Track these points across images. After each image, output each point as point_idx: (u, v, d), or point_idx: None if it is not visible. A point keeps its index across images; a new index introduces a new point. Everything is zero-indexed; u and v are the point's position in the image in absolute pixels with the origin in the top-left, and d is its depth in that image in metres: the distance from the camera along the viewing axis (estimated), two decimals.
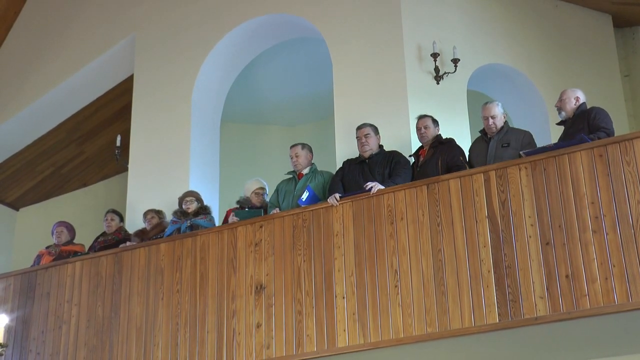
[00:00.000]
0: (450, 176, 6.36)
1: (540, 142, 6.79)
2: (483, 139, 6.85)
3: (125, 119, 9.77)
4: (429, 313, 6.01)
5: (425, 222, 6.28)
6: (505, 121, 6.86)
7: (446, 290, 6.01)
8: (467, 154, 6.89)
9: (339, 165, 7.45)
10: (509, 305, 5.78)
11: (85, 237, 8.93)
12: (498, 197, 6.09)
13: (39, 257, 8.47)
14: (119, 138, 9.45)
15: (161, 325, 7.07)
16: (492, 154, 6.61)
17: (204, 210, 7.79)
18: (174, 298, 7.08)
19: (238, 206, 7.69)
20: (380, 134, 7.22)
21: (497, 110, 6.81)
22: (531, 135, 6.73)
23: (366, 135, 7.12)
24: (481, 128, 6.94)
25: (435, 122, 7.11)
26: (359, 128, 7.20)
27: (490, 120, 6.79)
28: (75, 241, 8.73)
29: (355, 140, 7.27)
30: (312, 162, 7.59)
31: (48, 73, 10.06)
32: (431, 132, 7.04)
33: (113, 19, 9.85)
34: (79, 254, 8.12)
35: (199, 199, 7.86)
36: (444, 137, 7.04)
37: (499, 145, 6.66)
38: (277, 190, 7.54)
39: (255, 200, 7.66)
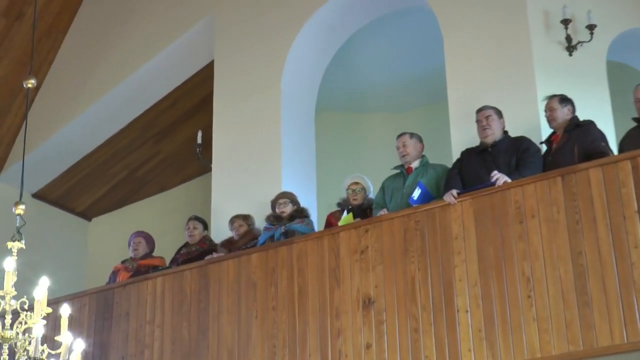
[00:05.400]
0: (589, 165, 6.25)
1: None
2: (639, 127, 6.69)
3: (206, 112, 9.91)
4: (570, 328, 5.91)
5: (561, 221, 6.19)
6: None
7: (590, 300, 5.90)
8: (611, 139, 6.72)
9: (455, 156, 7.43)
10: None
11: (165, 249, 9.10)
12: None
13: (115, 273, 8.67)
14: (199, 134, 9.59)
15: (255, 347, 7.15)
16: None
17: (300, 213, 7.84)
18: (269, 316, 7.16)
19: (339, 208, 7.73)
20: (504, 118, 7.14)
21: None
22: None
23: (487, 118, 7.07)
24: (628, 107, 6.77)
25: (564, 101, 7.00)
26: (478, 111, 7.16)
27: None
28: (154, 254, 8.90)
29: (474, 126, 7.22)
30: (423, 153, 7.58)
31: (116, 64, 10.29)
32: (559, 115, 6.95)
33: None
34: (159, 268, 8.27)
35: (294, 201, 7.92)
36: (580, 119, 6.91)
37: None
38: (382, 188, 7.56)
39: (352, 199, 7.69)
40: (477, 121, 7.15)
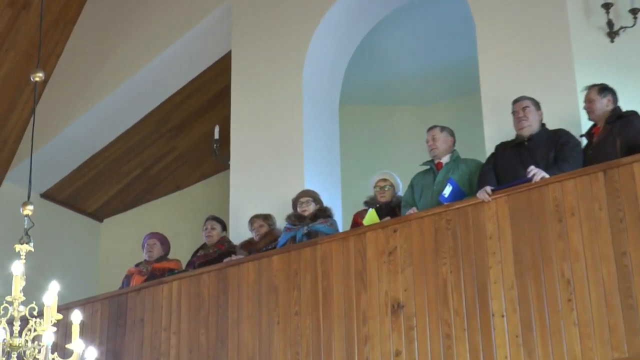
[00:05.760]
0: (633, 159, 6.20)
1: None
2: None
3: (224, 105, 9.94)
4: (614, 333, 5.86)
5: (604, 219, 6.15)
6: None
7: (635, 303, 5.84)
8: None
9: (488, 150, 7.42)
10: None
11: (181, 251, 9.13)
12: None
13: (128, 277, 8.70)
14: (217, 129, 9.60)
15: (277, 355, 7.15)
16: None
17: (323, 212, 7.84)
18: (291, 322, 7.16)
19: (366, 207, 7.71)
20: (542, 110, 7.10)
21: None
22: None
23: (525, 109, 7.04)
24: None
25: (604, 91, 6.96)
26: (515, 101, 7.12)
27: None
28: (169, 256, 8.92)
29: (508, 118, 7.19)
30: (454, 148, 7.57)
31: (128, 56, 10.33)
32: (598, 106, 6.91)
33: None
34: (175, 271, 8.29)
35: (317, 200, 7.93)
36: (623, 109, 6.86)
37: None
38: (411, 186, 7.55)
39: (380, 197, 7.68)
40: (513, 112, 7.11)
